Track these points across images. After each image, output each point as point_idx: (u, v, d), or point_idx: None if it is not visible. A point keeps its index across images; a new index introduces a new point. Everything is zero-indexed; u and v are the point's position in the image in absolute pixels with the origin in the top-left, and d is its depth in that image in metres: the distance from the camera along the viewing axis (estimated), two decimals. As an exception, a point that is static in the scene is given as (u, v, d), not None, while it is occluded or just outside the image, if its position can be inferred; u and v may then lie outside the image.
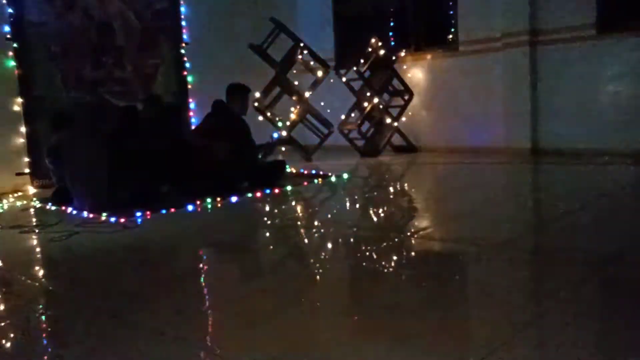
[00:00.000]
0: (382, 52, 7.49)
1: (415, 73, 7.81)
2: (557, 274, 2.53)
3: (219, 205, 4.68)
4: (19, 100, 6.01)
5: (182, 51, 7.36)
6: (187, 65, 7.41)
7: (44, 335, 2.27)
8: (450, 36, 7.51)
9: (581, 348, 1.80)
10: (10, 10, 5.95)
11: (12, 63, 5.98)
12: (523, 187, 5.13)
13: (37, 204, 5.18)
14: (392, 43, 8.03)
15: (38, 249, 3.71)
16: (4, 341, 2.16)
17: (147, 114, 5.43)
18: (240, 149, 5.33)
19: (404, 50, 7.84)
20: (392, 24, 8.16)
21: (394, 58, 7.66)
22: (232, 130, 5.37)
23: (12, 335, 2.23)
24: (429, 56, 7.71)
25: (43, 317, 2.44)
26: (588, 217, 3.60)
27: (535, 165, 6.13)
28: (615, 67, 6.14)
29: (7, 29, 5.94)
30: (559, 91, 6.51)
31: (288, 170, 6.02)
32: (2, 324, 2.35)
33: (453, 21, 7.42)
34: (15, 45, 5.97)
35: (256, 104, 6.98)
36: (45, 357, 2.05)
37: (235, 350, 1.94)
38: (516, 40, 6.64)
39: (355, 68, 7.35)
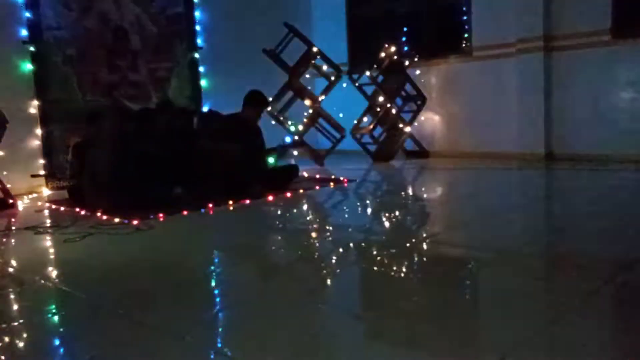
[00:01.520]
0: (395, 57, 7.49)
1: (429, 78, 7.80)
2: (570, 280, 2.51)
3: (232, 208, 4.70)
4: (35, 103, 6.08)
5: (197, 55, 7.41)
6: (201, 69, 7.46)
7: (56, 336, 2.29)
8: (464, 42, 7.49)
9: (594, 355, 1.78)
10: (27, 15, 6.02)
11: (29, 66, 6.05)
12: (536, 193, 5.09)
13: (52, 206, 5.23)
14: (406, 48, 8.02)
15: (52, 250, 3.75)
16: (17, 341, 2.19)
17: (161, 119, 5.49)
18: (252, 152, 5.36)
19: (417, 56, 7.83)
20: (405, 29, 8.16)
21: (407, 63, 7.65)
22: (245, 134, 5.40)
23: (25, 335, 2.26)
24: (442, 61, 7.69)
25: (56, 318, 2.46)
26: (602, 224, 3.57)
27: (549, 171, 6.09)
28: (630, 73, 6.09)
29: (24, 32, 6.02)
30: (574, 97, 6.47)
31: (300, 174, 6.03)
32: (16, 323, 2.37)
33: (467, 26, 7.40)
34: (32, 48, 6.05)
35: (269, 108, 7.00)
36: (57, 358, 2.06)
37: (246, 353, 1.95)
38: (530, 46, 6.61)
39: (368, 73, 7.36)
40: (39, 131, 6.10)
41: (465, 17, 7.42)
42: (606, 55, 6.21)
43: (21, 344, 2.17)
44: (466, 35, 7.44)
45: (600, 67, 6.27)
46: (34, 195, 5.92)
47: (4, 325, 2.30)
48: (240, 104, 5.56)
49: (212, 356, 1.95)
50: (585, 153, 6.29)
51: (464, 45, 7.51)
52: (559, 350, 1.83)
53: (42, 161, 6.13)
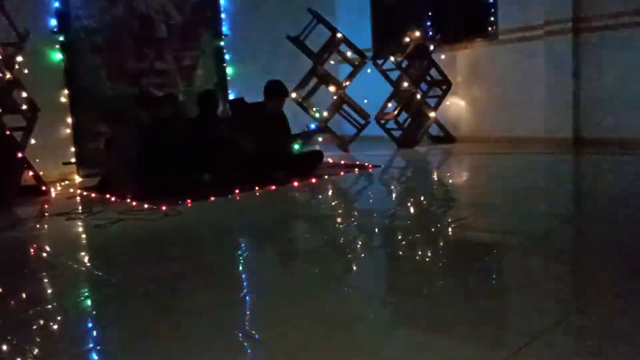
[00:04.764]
0: (419, 41, 7.42)
1: (454, 62, 7.72)
2: (597, 266, 2.50)
3: (258, 194, 4.75)
4: (66, 91, 6.19)
5: (222, 43, 7.44)
6: (227, 56, 7.49)
7: (88, 318, 2.37)
8: (490, 25, 7.39)
9: (622, 341, 1.78)
10: (56, 4, 6.13)
11: (59, 55, 6.16)
12: (563, 178, 5.03)
13: (83, 193, 5.35)
14: (430, 32, 7.94)
15: (83, 236, 3.85)
16: (50, 323, 2.27)
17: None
18: (277, 139, 5.40)
19: (442, 40, 7.75)
20: (430, 13, 8.07)
21: (431, 47, 7.58)
22: (271, 121, 5.46)
23: (58, 317, 2.34)
24: (467, 45, 7.60)
25: (88, 302, 2.54)
26: (630, 209, 3.52)
27: (577, 155, 6.00)
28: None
29: (53, 22, 6.13)
30: (602, 79, 6.34)
31: (325, 160, 6.05)
32: (49, 306, 2.45)
33: (493, 9, 7.29)
34: (61, 38, 6.15)
35: (294, 95, 7.01)
36: (89, 339, 2.14)
37: (273, 335, 1.99)
38: (558, 28, 6.49)
39: (392, 58, 7.31)
40: (69, 119, 6.22)
41: (491, 0, 7.31)
42: (636, 36, 6.06)
43: (54, 327, 2.25)
44: (492, 19, 7.33)
45: (630, 48, 6.12)
46: (66, 182, 6.05)
47: (38, 309, 2.38)
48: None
49: (240, 338, 2.00)
50: (614, 137, 6.16)
51: (489, 28, 7.40)
52: (586, 336, 1.83)
53: (73, 149, 6.25)
